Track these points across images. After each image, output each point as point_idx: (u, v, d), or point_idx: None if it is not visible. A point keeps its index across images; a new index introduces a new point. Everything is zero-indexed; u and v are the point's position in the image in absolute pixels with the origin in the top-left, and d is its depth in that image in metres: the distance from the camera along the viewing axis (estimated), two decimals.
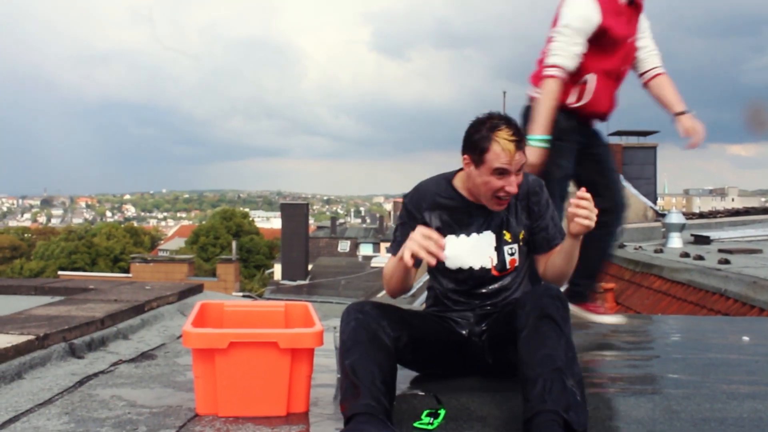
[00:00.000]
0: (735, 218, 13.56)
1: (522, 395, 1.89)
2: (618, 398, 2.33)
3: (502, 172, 2.22)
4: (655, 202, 13.10)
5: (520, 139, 2.23)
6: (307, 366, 2.11)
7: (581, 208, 2.13)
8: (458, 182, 2.44)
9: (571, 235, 2.25)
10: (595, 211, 2.13)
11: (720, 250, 9.43)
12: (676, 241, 10.66)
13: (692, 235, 11.29)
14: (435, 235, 2.09)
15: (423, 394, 2.29)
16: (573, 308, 3.54)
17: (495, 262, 2.41)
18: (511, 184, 2.25)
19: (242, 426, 2.00)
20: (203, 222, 68.21)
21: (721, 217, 13.95)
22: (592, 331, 3.98)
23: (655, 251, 10.11)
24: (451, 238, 2.41)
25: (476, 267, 2.41)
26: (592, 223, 2.14)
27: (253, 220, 66.09)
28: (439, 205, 2.44)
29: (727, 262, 8.01)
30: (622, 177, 12.68)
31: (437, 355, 2.44)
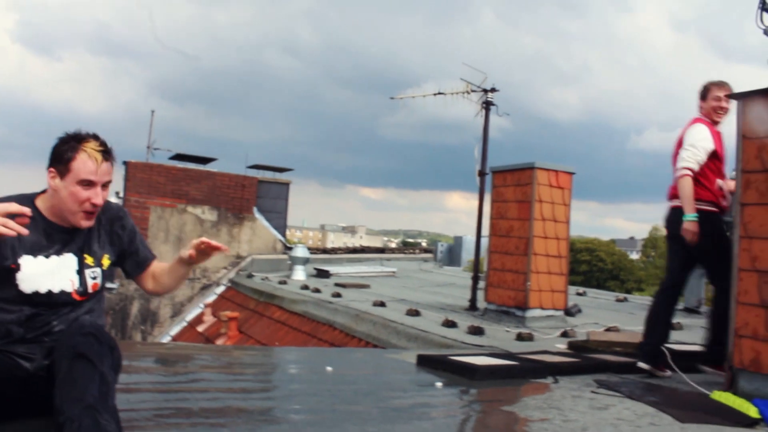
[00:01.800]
0: (353, 255, 14.97)
1: None
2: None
3: (88, 183, 2.25)
4: (285, 235, 13.80)
5: (106, 150, 2.29)
6: None
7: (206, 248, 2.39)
8: (41, 203, 2.35)
9: (187, 263, 2.45)
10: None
11: (336, 284, 10.28)
12: (299, 274, 11.35)
13: (315, 268, 12.14)
14: (14, 207, 2.01)
15: None
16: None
17: (76, 285, 2.34)
18: (97, 196, 2.28)
19: None
20: None
21: (341, 253, 15.28)
22: (185, 365, 3.99)
23: (280, 282, 10.65)
24: (28, 259, 2.27)
25: (56, 290, 2.30)
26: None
27: None
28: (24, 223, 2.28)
29: (339, 295, 8.76)
30: (256, 209, 13.15)
31: None
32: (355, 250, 15.66)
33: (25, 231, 2.01)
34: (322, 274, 11.76)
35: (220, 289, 12.08)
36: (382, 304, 7.82)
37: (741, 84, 4.00)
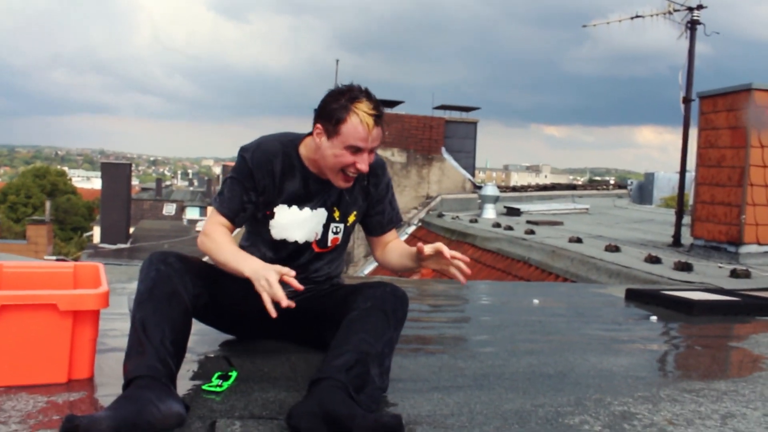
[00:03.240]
0: (543, 193, 14.62)
1: (324, 360, 1.85)
2: (409, 358, 2.43)
3: (356, 150, 2.10)
4: (473, 175, 13.78)
5: (379, 114, 2.11)
6: (91, 329, 2.00)
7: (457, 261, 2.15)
8: (303, 149, 2.26)
9: (417, 258, 2.25)
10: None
11: (528, 222, 10.13)
12: (490, 212, 11.31)
13: (505, 207, 12.03)
14: (285, 271, 1.99)
15: (214, 355, 2.26)
16: None
17: (318, 237, 2.34)
18: (363, 162, 2.13)
19: (14, 396, 1.85)
20: (13, 180, 62.53)
21: (531, 191, 14.99)
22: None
23: (471, 221, 10.68)
24: (283, 208, 2.28)
25: (301, 241, 2.32)
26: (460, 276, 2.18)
27: (70, 179, 61.76)
28: (287, 170, 2.25)
29: (532, 232, 8.63)
30: (444, 150, 13.18)
31: (238, 318, 2.36)
32: (545, 188, 15.30)
33: (300, 286, 1.99)
34: (513, 212, 11.64)
35: (411, 229, 12.36)
36: (578, 240, 7.60)
37: None
